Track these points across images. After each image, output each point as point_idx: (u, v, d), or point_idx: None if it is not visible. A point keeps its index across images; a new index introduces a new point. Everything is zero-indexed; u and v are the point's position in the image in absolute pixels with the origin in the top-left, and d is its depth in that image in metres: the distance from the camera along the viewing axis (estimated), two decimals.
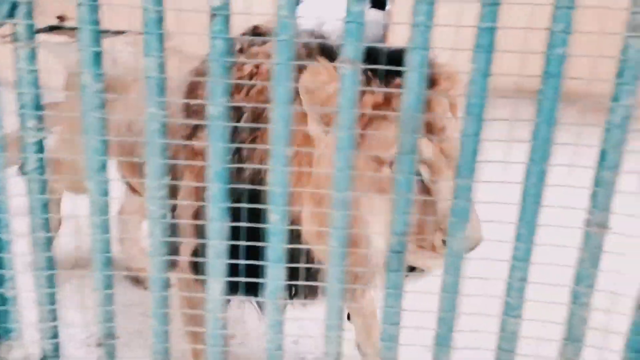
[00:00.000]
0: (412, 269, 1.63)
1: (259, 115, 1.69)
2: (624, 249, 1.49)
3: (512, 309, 1.43)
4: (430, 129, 1.53)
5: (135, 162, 1.89)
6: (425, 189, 1.51)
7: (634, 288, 1.37)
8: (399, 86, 1.36)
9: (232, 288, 1.62)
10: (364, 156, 1.52)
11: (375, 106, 1.55)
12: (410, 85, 1.31)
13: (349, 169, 1.36)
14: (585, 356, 1.44)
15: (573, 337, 1.43)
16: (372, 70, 1.51)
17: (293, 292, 1.82)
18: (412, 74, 1.31)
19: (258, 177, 1.68)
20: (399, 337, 1.47)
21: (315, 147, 1.62)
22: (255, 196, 1.60)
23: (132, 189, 2.53)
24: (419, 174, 1.49)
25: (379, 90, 1.57)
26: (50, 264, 1.45)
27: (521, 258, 1.40)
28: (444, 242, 1.44)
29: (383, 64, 1.41)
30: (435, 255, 1.48)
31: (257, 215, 1.44)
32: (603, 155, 1.31)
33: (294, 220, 1.63)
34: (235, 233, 1.45)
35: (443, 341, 1.47)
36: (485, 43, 1.27)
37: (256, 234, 1.43)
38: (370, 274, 1.71)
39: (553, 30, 1.25)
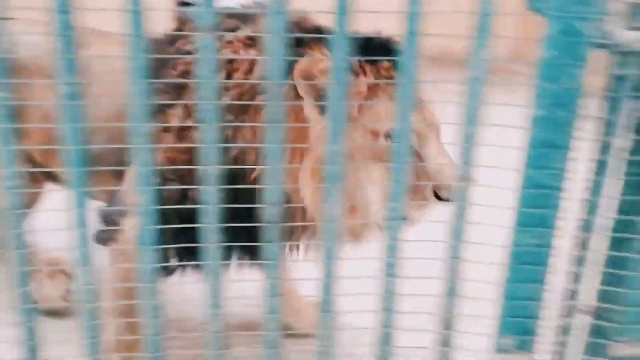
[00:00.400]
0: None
1: (243, 98, 1.69)
2: (490, 201, 1.49)
3: (390, 268, 1.40)
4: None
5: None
6: (415, 153, 1.63)
7: (504, 238, 1.37)
8: (387, 69, 1.59)
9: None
10: (362, 129, 1.62)
11: (369, 87, 1.63)
12: (271, 51, 1.24)
13: (215, 143, 1.28)
14: (463, 308, 1.42)
15: (450, 291, 1.41)
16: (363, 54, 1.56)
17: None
18: (271, 39, 1.23)
19: (242, 157, 1.70)
20: (279, 308, 1.42)
21: (309, 126, 1.65)
22: (238, 175, 1.62)
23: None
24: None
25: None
26: None
27: (395, 217, 1.36)
28: (434, 194, 1.63)
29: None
30: (425, 204, 1.65)
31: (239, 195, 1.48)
32: (466, 110, 1.28)
33: (291, 196, 1.67)
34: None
35: (326, 306, 1.42)
36: (342, 5, 1.21)
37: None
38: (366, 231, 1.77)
39: None
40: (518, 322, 1.39)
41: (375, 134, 1.63)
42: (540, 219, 1.30)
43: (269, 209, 1.34)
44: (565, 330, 1.43)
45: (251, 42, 1.77)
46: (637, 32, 1.16)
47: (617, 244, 1.35)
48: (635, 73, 1.20)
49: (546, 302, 1.39)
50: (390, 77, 1.61)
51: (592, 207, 1.30)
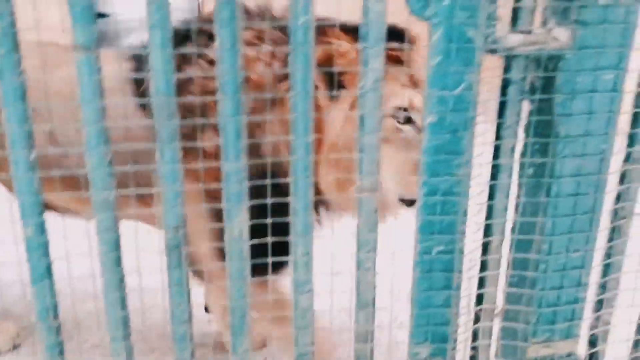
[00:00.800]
0: (412, 202, 1.66)
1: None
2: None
3: (301, 285, 1.34)
4: (413, 81, 1.64)
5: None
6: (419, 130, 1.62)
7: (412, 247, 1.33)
8: (396, 51, 1.52)
9: None
10: None
11: None
12: (156, 68, 1.16)
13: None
14: (378, 319, 1.38)
15: (363, 303, 1.36)
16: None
17: None
18: (156, 54, 1.16)
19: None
20: (191, 334, 1.34)
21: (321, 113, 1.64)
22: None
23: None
24: (412, 120, 1.62)
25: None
26: None
27: (302, 232, 1.30)
28: None
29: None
30: None
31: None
32: (361, 120, 1.23)
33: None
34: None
35: (238, 330, 1.35)
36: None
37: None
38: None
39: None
40: (431, 329, 1.35)
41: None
42: (442, 226, 1.26)
43: (169, 233, 1.26)
44: (478, 335, 1.40)
45: (258, 38, 1.72)
46: (520, 35, 1.14)
47: (519, 245, 1.33)
48: (521, 76, 1.18)
49: (458, 308, 1.35)
50: (398, 59, 1.60)
51: (491, 210, 1.27)
